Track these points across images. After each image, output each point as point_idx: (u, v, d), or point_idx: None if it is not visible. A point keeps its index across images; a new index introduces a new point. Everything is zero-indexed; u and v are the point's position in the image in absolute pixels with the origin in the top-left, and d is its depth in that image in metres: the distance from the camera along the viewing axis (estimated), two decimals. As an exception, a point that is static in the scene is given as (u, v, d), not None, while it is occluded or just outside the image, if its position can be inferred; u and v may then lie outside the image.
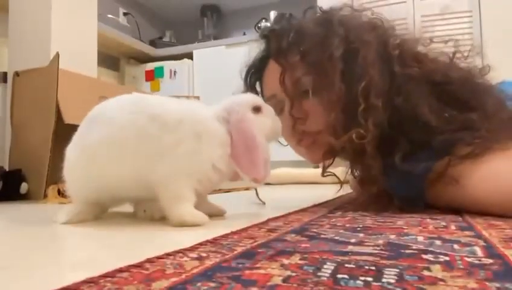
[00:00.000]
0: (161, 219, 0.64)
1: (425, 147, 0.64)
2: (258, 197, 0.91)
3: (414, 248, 0.39)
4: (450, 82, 0.69)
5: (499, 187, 0.60)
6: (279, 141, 0.79)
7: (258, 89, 0.87)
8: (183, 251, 0.38)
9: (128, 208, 0.75)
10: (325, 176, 0.83)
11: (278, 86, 0.75)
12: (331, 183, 0.87)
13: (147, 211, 0.67)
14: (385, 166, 0.66)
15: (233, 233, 0.48)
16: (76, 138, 0.66)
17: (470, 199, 0.63)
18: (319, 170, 0.86)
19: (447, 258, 0.34)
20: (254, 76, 0.86)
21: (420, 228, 0.51)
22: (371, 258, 0.35)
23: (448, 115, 0.64)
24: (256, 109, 0.65)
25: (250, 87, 0.86)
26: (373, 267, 0.31)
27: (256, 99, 0.68)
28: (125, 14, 3.03)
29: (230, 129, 0.62)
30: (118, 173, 0.61)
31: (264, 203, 0.90)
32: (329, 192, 0.92)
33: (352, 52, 0.69)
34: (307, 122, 0.75)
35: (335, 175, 0.82)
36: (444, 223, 0.55)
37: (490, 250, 0.37)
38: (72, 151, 0.65)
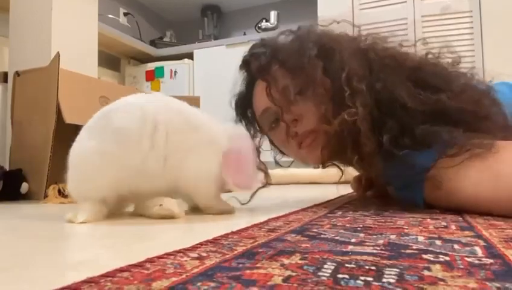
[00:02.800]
0: (174, 215, 0.66)
1: (410, 132, 0.67)
2: (251, 197, 0.91)
3: (414, 247, 0.39)
4: (421, 68, 0.74)
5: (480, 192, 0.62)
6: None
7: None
8: (183, 251, 0.38)
9: (128, 208, 0.75)
10: (326, 167, 0.84)
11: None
12: (331, 183, 0.87)
13: (164, 205, 0.67)
14: (383, 153, 0.68)
15: (233, 233, 0.48)
16: (94, 131, 0.67)
17: (458, 202, 0.65)
18: (319, 170, 0.86)
19: (447, 258, 0.34)
20: (244, 103, 0.88)
21: (420, 228, 0.51)
22: (371, 258, 0.35)
23: (423, 96, 0.68)
24: None
25: (241, 115, 0.89)
26: (373, 267, 0.31)
27: None
28: (125, 14, 3.04)
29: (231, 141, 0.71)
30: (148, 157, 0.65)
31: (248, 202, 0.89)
32: (329, 192, 0.92)
33: (329, 51, 0.74)
34: (303, 123, 0.77)
35: (336, 165, 0.84)
36: (444, 223, 0.55)
37: (490, 250, 0.37)
38: (92, 146, 0.65)
